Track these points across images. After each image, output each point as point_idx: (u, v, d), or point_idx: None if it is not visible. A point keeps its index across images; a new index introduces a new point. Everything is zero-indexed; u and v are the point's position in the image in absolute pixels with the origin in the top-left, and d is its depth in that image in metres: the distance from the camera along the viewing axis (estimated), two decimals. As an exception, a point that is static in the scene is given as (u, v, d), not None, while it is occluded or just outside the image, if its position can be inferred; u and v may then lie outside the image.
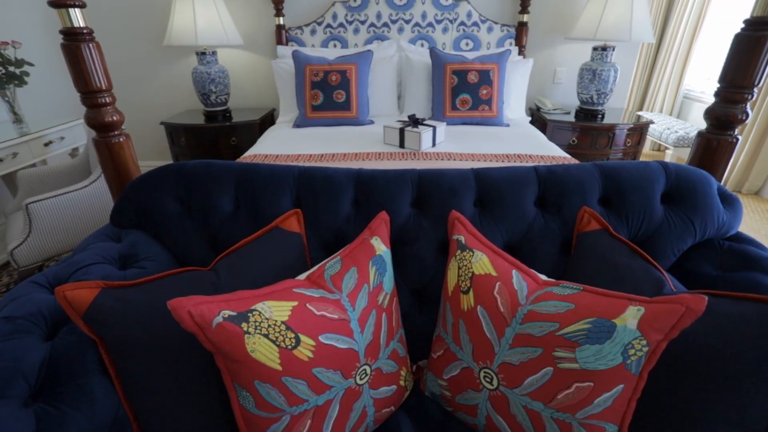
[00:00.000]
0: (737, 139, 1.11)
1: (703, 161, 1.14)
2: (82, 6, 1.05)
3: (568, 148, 2.66)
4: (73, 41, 1.05)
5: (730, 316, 0.70)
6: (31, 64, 2.32)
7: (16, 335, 0.75)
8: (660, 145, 4.16)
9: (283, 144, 2.08)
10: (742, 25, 1.03)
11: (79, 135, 2.63)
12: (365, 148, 1.95)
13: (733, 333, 0.69)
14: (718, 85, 1.10)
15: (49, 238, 1.84)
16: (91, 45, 1.07)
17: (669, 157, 3.48)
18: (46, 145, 2.37)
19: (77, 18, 1.04)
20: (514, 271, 0.83)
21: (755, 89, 1.05)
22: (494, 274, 0.82)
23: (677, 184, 1.02)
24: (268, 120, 2.98)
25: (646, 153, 4.23)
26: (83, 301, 0.74)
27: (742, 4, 3.45)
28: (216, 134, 2.71)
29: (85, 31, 1.06)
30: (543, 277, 0.84)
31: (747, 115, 1.08)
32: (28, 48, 2.59)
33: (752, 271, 0.91)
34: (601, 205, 1.02)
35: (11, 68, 2.25)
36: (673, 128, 3.44)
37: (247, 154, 1.97)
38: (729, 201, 1.04)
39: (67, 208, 1.85)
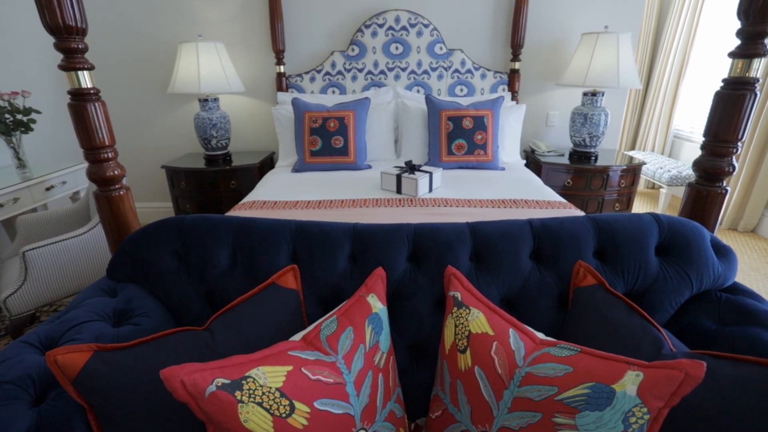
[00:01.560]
0: (726, 191, 1.13)
1: (694, 212, 1.16)
2: (91, 68, 1.10)
3: (564, 190, 2.70)
4: (80, 101, 1.09)
5: (732, 379, 0.69)
6: (38, 112, 2.39)
7: (2, 402, 0.73)
8: (654, 183, 4.23)
9: (282, 189, 2.11)
10: (721, 83, 1.08)
11: (80, 179, 2.66)
12: (363, 194, 1.97)
13: (734, 397, 0.67)
14: (704, 138, 1.14)
15: (44, 286, 1.83)
16: (96, 104, 1.11)
17: (663, 195, 3.52)
18: (47, 189, 2.40)
19: (85, 79, 1.09)
20: (511, 330, 0.82)
21: (739, 143, 1.08)
22: (491, 333, 0.82)
23: (670, 236, 1.03)
24: (268, 163, 3.03)
25: (641, 191, 4.29)
26: (74, 366, 0.73)
27: (724, 47, 3.61)
28: (216, 178, 2.75)
29: (92, 91, 1.10)
30: (540, 335, 0.84)
31: (734, 168, 1.11)
32: (36, 93, 2.68)
33: (752, 325, 0.90)
34: (596, 258, 1.02)
35: (19, 116, 2.31)
36: (665, 167, 3.51)
37: (245, 200, 1.99)
38: (723, 252, 1.04)
39: (64, 255, 1.85)
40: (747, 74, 1.02)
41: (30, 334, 0.90)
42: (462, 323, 0.85)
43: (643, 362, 0.67)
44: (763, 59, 1.01)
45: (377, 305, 0.89)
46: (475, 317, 0.85)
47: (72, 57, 1.05)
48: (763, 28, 0.96)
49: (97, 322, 0.94)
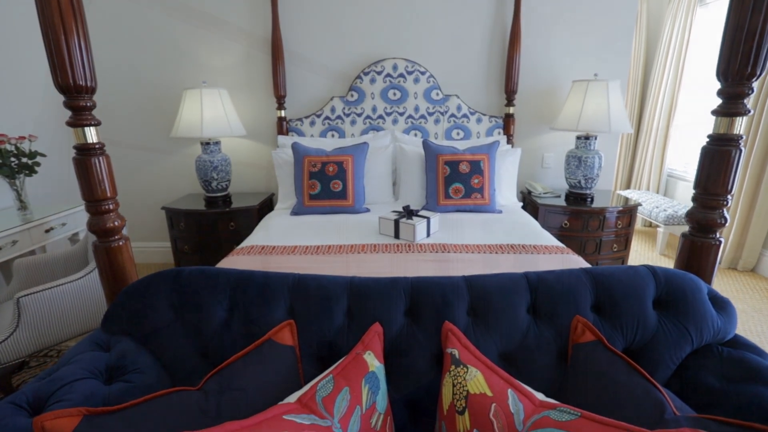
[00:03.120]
0: (720, 242, 1.15)
1: (690, 263, 1.17)
2: (97, 124, 1.13)
3: (561, 231, 2.72)
4: (85, 156, 1.11)
5: (736, 448, 0.67)
6: (43, 155, 2.43)
7: (-16, 472, 0.71)
8: (651, 222, 4.26)
9: (281, 234, 2.12)
10: (707, 140, 1.11)
11: (80, 220, 2.67)
12: (361, 239, 1.98)
13: (741, 468, 0.65)
14: (694, 191, 1.16)
15: (36, 332, 1.80)
16: (101, 158, 1.14)
17: (661, 234, 3.54)
18: (47, 231, 2.41)
19: (91, 135, 1.12)
20: (509, 391, 0.81)
21: (729, 196, 1.11)
22: (489, 394, 0.80)
23: (667, 289, 1.03)
24: (267, 205, 3.06)
25: (639, 229, 4.32)
26: (62, 432, 0.71)
27: (710, 90, 3.74)
28: (215, 219, 2.77)
29: (97, 146, 1.13)
30: (539, 396, 0.82)
31: (725, 220, 1.12)
32: (41, 134, 2.74)
33: (756, 383, 0.89)
34: (594, 312, 1.02)
35: (24, 159, 2.35)
36: (661, 207, 3.55)
37: (243, 244, 2.00)
38: (721, 305, 1.04)
39: (59, 301, 1.83)
40: (731, 131, 1.06)
41: (18, 394, 0.88)
42: (460, 382, 0.84)
43: (645, 430, 0.66)
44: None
45: (374, 363, 0.88)
46: (473, 376, 0.84)
47: (80, 114, 1.09)
48: (741, 89, 1.01)
49: (88, 380, 0.92)
